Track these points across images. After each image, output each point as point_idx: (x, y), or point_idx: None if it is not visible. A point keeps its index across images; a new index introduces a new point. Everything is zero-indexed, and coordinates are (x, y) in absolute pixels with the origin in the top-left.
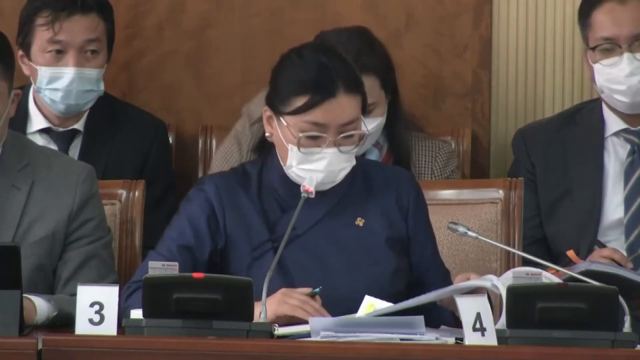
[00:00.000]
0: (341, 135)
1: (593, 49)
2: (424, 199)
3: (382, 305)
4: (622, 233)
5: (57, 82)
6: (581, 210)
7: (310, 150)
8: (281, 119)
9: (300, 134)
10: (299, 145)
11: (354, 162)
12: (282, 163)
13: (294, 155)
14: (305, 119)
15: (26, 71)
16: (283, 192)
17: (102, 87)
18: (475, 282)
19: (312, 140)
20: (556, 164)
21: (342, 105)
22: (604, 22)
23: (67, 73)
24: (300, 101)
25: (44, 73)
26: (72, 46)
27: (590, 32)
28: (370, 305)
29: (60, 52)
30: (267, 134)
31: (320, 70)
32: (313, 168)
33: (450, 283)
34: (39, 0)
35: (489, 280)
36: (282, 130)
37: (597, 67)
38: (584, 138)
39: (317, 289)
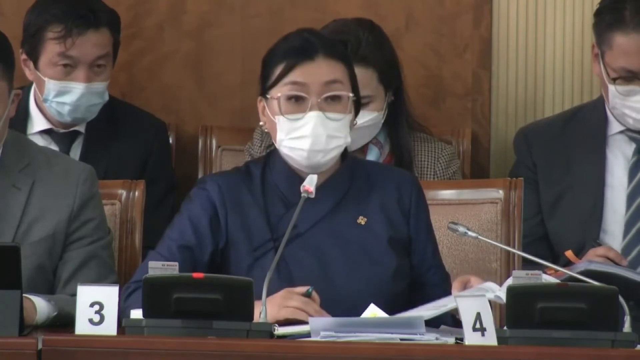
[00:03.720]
0: (323, 95)
1: (614, 79)
2: (425, 201)
3: (384, 316)
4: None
5: (65, 96)
6: (583, 207)
7: (295, 116)
8: (267, 96)
9: (280, 94)
10: (281, 109)
11: (348, 139)
12: (275, 144)
13: (281, 126)
14: (285, 82)
15: (30, 76)
16: (285, 189)
17: (107, 97)
18: (476, 293)
19: (295, 103)
20: (558, 161)
21: (321, 66)
22: (629, 53)
23: (77, 88)
24: (279, 69)
25: (52, 86)
26: (83, 62)
27: (608, 51)
28: (373, 314)
29: (69, 66)
30: (261, 123)
31: (300, 41)
32: (300, 135)
33: (449, 286)
34: (50, 13)
35: (491, 292)
36: (269, 107)
37: (611, 88)
38: (587, 136)
39: (309, 289)
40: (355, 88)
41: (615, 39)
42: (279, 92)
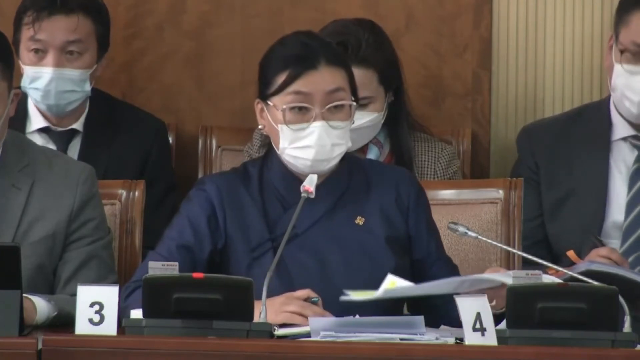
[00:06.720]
0: (328, 106)
1: (621, 51)
2: (425, 198)
3: (404, 284)
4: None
5: (37, 82)
6: (584, 212)
7: (299, 126)
8: (268, 102)
9: (285, 106)
10: (285, 119)
11: (349, 144)
12: (276, 150)
13: (285, 135)
14: (288, 91)
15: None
16: (283, 190)
17: (87, 87)
18: (502, 277)
19: (299, 113)
20: (561, 163)
21: (324, 75)
22: None
23: (46, 73)
24: (282, 77)
25: (28, 72)
26: (52, 46)
27: (624, 29)
28: (392, 282)
29: (41, 52)
30: (260, 126)
31: (300, 47)
32: (305, 144)
33: (458, 275)
34: (28, 0)
35: None
36: (271, 114)
37: (617, 67)
38: (591, 139)
39: (315, 299)
40: (354, 91)
41: (633, 16)
42: (282, 101)
